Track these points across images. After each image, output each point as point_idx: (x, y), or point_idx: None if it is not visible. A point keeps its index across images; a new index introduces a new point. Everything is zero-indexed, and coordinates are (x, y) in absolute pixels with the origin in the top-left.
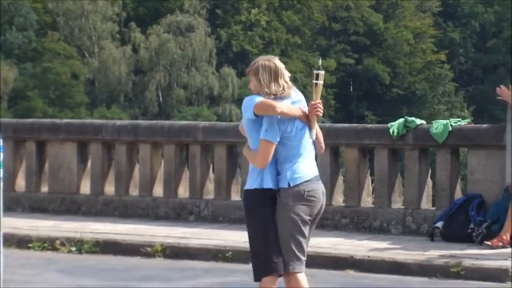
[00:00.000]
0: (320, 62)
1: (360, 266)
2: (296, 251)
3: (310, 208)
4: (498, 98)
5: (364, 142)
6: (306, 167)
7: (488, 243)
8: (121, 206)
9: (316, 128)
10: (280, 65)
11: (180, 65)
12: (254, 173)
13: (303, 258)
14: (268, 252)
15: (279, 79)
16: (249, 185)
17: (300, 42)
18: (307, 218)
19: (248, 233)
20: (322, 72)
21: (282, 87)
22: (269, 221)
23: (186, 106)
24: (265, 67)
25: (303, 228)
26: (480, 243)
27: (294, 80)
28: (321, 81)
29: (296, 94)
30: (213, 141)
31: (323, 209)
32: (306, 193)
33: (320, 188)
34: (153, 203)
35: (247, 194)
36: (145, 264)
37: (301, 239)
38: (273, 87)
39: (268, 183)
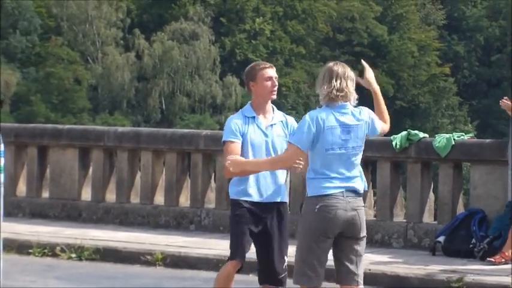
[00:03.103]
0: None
1: None
2: (303, 265)
3: (324, 224)
4: (502, 108)
5: (367, 154)
6: (325, 181)
7: (491, 259)
8: (122, 213)
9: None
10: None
11: (184, 73)
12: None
13: (311, 274)
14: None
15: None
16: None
17: (304, 52)
18: (318, 232)
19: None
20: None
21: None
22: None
23: (188, 114)
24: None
25: (312, 243)
26: (482, 259)
27: (297, 90)
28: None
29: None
30: (214, 150)
31: (356, 228)
32: (317, 207)
33: (341, 205)
34: (154, 211)
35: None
36: (145, 273)
37: (309, 254)
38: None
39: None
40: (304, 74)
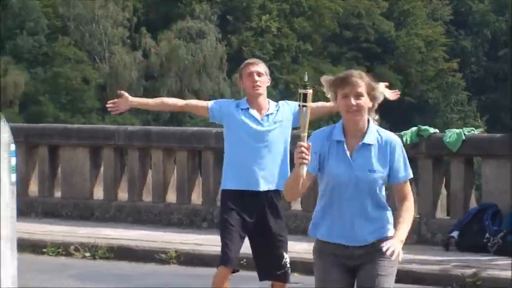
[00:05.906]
0: (306, 77)
1: None
2: None
3: None
4: None
5: None
6: None
7: None
8: (134, 211)
9: None
10: None
11: (191, 71)
12: None
13: None
14: None
15: None
16: None
17: (310, 49)
18: None
19: None
20: (310, 91)
21: None
22: None
23: None
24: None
25: None
26: (496, 253)
27: (304, 88)
28: (309, 104)
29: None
30: None
31: None
32: None
33: None
34: (166, 209)
35: None
36: (160, 271)
37: None
38: None
39: None
40: (311, 71)
